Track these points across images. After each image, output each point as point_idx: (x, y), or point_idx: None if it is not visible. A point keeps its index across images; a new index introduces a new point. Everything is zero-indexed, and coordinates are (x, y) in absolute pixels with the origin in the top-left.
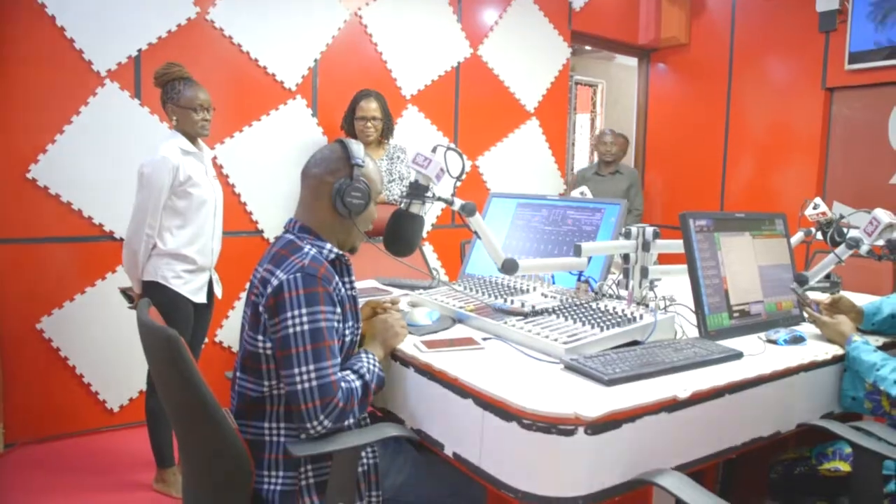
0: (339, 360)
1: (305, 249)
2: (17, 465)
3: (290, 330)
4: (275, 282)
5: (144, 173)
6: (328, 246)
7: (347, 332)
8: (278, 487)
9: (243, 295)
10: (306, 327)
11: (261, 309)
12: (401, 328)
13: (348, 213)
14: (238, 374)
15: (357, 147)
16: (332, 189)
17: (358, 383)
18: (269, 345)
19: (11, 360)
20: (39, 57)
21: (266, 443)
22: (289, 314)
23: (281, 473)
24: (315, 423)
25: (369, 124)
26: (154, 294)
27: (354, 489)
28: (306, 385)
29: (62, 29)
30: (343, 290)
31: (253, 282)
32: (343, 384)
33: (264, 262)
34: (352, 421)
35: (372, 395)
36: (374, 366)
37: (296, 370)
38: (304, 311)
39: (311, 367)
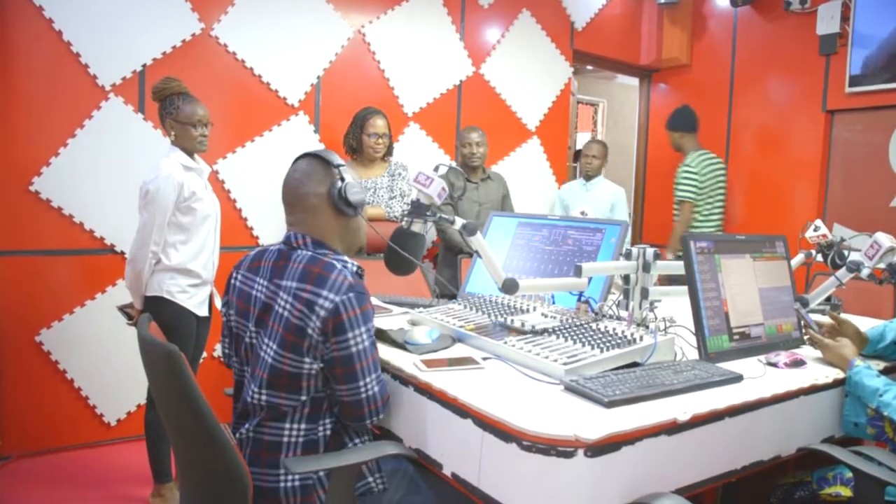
0: None
1: (338, 266)
2: (13, 479)
3: (354, 349)
4: (328, 304)
5: (150, 191)
6: (348, 260)
7: None
8: (297, 483)
9: None
10: (367, 343)
11: (310, 331)
12: None
13: (354, 211)
14: (265, 389)
15: (330, 153)
16: (328, 196)
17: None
18: (316, 364)
19: (10, 372)
20: (45, 70)
21: (283, 443)
22: (350, 334)
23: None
24: (375, 419)
25: (380, 141)
26: (159, 309)
27: None
28: (370, 392)
29: (68, 43)
30: None
31: (284, 303)
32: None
33: (288, 279)
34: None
35: None
36: None
37: (361, 382)
38: (363, 328)
39: (374, 375)
